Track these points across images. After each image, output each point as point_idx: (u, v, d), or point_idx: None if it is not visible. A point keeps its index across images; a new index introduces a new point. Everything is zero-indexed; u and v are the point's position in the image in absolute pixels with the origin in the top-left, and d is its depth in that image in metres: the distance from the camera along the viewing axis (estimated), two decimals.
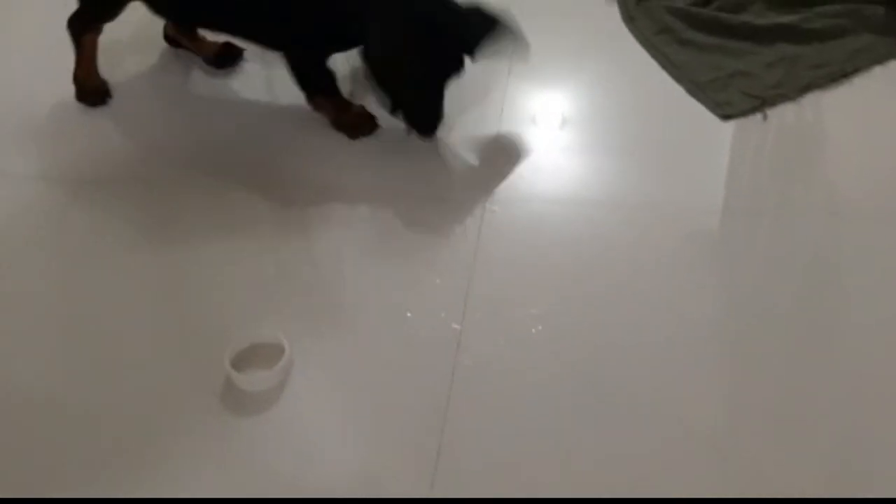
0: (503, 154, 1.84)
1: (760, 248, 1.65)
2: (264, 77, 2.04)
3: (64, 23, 1.94)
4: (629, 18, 2.06)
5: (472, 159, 1.83)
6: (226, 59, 2.06)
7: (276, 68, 1.94)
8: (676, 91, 1.92)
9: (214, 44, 2.07)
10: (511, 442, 1.38)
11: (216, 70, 2.06)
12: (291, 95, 1.89)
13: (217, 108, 2.01)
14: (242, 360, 1.50)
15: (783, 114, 1.85)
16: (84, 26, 1.95)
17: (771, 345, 1.49)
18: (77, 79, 1.99)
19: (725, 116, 1.84)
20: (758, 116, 1.84)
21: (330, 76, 1.86)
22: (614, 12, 2.09)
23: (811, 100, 1.88)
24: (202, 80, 2.06)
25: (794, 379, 1.44)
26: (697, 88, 1.90)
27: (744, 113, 1.84)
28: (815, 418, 1.39)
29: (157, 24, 2.05)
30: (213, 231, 1.73)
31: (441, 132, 1.82)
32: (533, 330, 1.52)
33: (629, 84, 1.96)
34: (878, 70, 1.91)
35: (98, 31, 1.97)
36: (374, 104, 1.87)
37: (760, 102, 1.86)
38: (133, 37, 2.13)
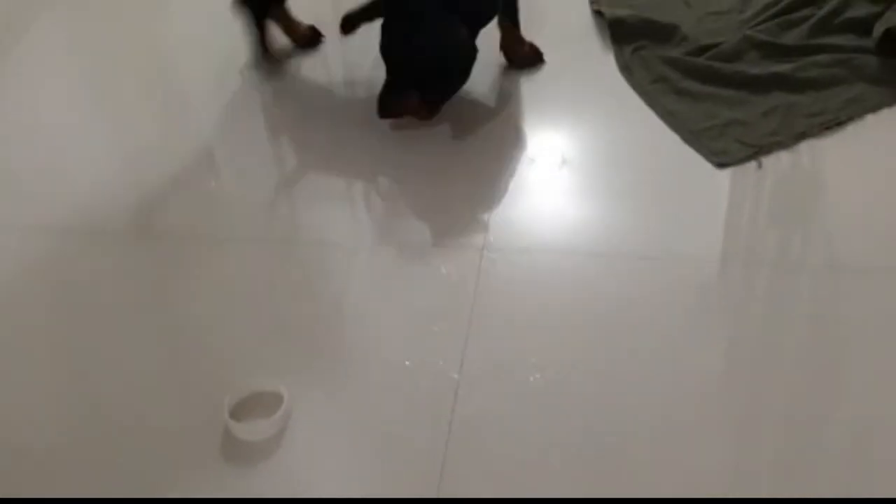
0: (501, 198, 1.85)
1: (761, 300, 1.66)
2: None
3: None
4: (625, 68, 2.09)
5: (470, 203, 1.85)
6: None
7: None
8: (673, 139, 1.94)
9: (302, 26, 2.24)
10: (509, 493, 1.38)
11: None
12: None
13: (216, 153, 2.04)
14: (242, 409, 1.50)
15: (779, 162, 1.87)
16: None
17: (772, 398, 1.49)
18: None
19: (721, 165, 1.86)
20: (753, 165, 1.86)
21: None
22: (610, 61, 2.12)
23: (806, 148, 1.89)
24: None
25: (796, 434, 1.43)
26: (693, 137, 1.92)
27: (739, 161, 1.86)
28: (819, 472, 1.38)
29: None
30: (212, 280, 1.74)
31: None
32: (531, 379, 1.52)
33: (626, 131, 1.98)
34: (870, 118, 1.94)
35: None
36: None
37: (756, 151, 1.88)
38: None
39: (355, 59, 2.20)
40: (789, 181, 1.87)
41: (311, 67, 2.23)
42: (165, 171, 1.98)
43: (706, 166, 1.87)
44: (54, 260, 1.81)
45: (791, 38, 2.09)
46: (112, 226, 1.87)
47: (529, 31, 2.14)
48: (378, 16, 1.99)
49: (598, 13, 2.23)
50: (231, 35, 2.24)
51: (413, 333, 1.61)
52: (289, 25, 2.24)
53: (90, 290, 1.75)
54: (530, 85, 2.10)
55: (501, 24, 2.08)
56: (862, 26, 2.08)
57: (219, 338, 1.64)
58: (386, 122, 1.98)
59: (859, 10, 2.10)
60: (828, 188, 1.83)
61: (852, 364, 1.52)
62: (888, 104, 1.95)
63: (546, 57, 2.14)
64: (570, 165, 1.92)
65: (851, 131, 1.92)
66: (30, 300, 1.74)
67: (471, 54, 1.96)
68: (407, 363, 1.56)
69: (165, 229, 1.86)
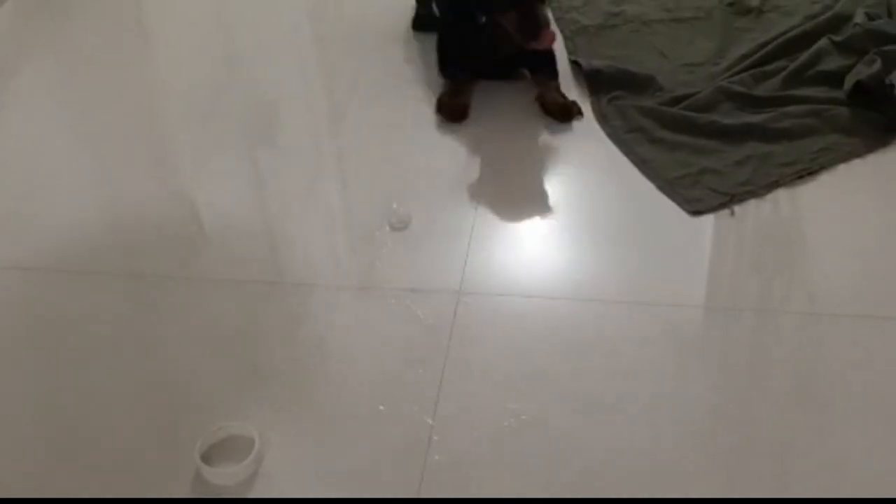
0: (478, 242, 1.86)
1: (739, 345, 1.66)
2: None
3: None
4: (602, 117, 2.12)
5: (447, 247, 1.86)
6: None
7: None
8: (649, 186, 1.96)
9: None
10: None
11: None
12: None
13: (197, 197, 2.05)
14: (214, 453, 1.49)
15: (753, 210, 1.89)
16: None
17: (753, 442, 1.49)
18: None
19: (695, 212, 1.89)
20: (726, 212, 1.88)
21: None
22: (587, 110, 2.15)
23: (780, 196, 1.92)
24: None
25: (779, 478, 1.43)
26: (668, 185, 1.94)
27: (712, 209, 1.89)
28: None
29: None
30: (189, 322, 1.74)
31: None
32: (506, 424, 1.52)
33: (603, 178, 2.01)
34: (842, 167, 1.97)
35: None
36: None
37: (729, 199, 1.90)
38: None
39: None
40: (764, 229, 1.89)
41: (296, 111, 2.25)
42: (146, 214, 1.98)
43: (681, 214, 1.90)
44: (30, 299, 1.81)
45: (764, 89, 2.14)
46: (90, 266, 1.87)
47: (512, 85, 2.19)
48: None
49: (575, 63, 2.27)
50: (213, 81, 2.26)
51: (388, 378, 1.61)
52: None
53: (66, 329, 1.74)
54: (508, 132, 2.12)
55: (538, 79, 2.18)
56: (834, 79, 2.12)
57: (193, 380, 1.64)
58: (360, 173, 1.99)
59: (831, 63, 2.15)
60: (803, 236, 1.85)
61: (833, 409, 1.52)
62: (859, 154, 1.99)
63: (524, 106, 2.16)
64: (548, 210, 1.93)
65: (824, 180, 1.95)
66: (3, 338, 1.73)
67: None
68: (381, 408, 1.56)
69: (144, 271, 1.86)
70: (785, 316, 1.70)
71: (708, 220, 1.88)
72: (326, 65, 2.47)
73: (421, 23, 2.45)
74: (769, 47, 2.22)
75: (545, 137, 2.11)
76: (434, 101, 2.19)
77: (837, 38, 2.17)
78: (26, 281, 1.85)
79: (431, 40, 2.36)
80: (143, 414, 1.59)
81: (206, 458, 1.48)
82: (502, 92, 2.22)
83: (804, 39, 2.22)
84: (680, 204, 1.91)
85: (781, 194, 1.92)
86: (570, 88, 2.22)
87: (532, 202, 1.97)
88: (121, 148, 2.18)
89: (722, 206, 1.90)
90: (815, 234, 1.85)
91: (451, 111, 2.14)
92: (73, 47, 2.53)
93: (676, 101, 2.13)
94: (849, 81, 2.07)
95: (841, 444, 1.47)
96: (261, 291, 1.80)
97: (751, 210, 1.90)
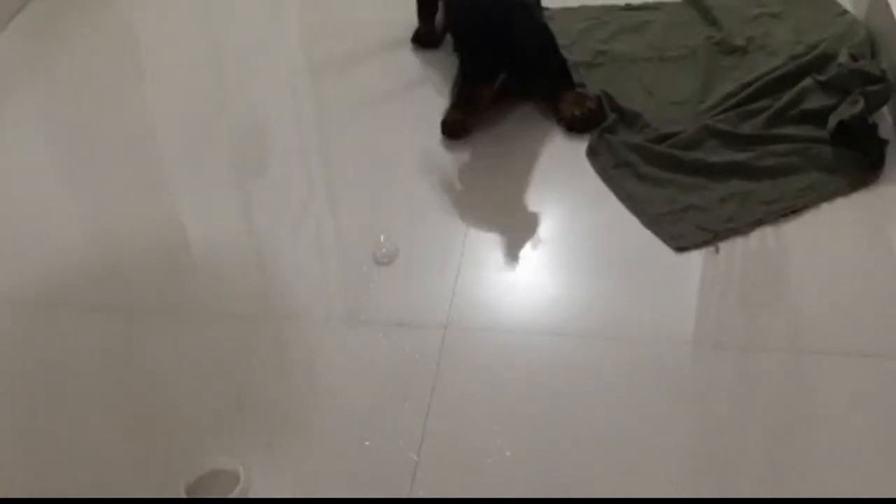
0: (465, 276, 1.88)
1: (726, 384, 1.67)
2: None
3: None
4: (591, 151, 2.15)
5: (433, 280, 1.87)
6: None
7: None
8: (635, 222, 1.98)
9: None
10: None
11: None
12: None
13: (188, 227, 2.06)
14: (199, 487, 1.49)
15: (737, 247, 1.91)
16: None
17: (739, 479, 1.49)
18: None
19: (679, 249, 1.90)
20: (711, 249, 1.90)
21: None
22: (576, 146, 2.17)
23: (763, 234, 1.94)
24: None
25: None
26: (653, 221, 1.96)
27: (697, 246, 1.90)
28: None
29: None
30: (177, 354, 1.75)
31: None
32: (490, 460, 1.53)
33: (590, 213, 2.03)
34: (825, 206, 1.99)
35: None
36: None
37: (713, 236, 1.92)
38: None
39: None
40: (748, 266, 1.91)
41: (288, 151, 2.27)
42: (134, 244, 2.00)
43: (666, 249, 1.91)
44: (15, 330, 1.81)
45: (749, 127, 2.16)
46: (76, 297, 1.87)
47: (503, 113, 2.22)
48: None
49: None
50: (204, 109, 2.28)
51: (373, 412, 1.62)
52: None
53: (51, 361, 1.75)
54: (496, 162, 2.14)
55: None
56: (817, 118, 2.14)
57: (180, 413, 1.64)
58: (350, 204, 2.01)
59: (814, 103, 2.17)
60: (787, 273, 1.87)
61: (819, 446, 1.54)
62: (843, 193, 2.01)
63: (514, 140, 2.19)
64: (535, 245, 1.95)
65: (808, 219, 1.97)
66: None
67: None
68: (366, 443, 1.56)
69: (131, 301, 1.86)
70: (770, 353, 1.71)
71: (693, 256, 1.90)
72: (320, 92, 2.49)
73: (421, 39, 2.49)
74: (754, 86, 2.25)
75: (535, 170, 2.13)
76: (429, 126, 2.21)
77: (821, 78, 2.20)
78: (12, 312, 1.85)
79: (431, 59, 2.38)
80: (129, 447, 1.59)
81: (192, 491, 1.48)
82: (499, 122, 2.24)
83: (788, 79, 2.24)
84: (665, 240, 1.92)
85: (765, 232, 1.94)
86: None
87: (520, 236, 1.98)
88: (110, 176, 2.19)
89: (706, 242, 1.91)
90: (800, 271, 1.87)
91: (451, 128, 2.19)
92: (67, 74, 2.55)
93: (663, 138, 2.15)
94: (832, 121, 2.10)
95: (826, 480, 1.48)
96: (248, 323, 1.81)
97: (735, 247, 1.92)
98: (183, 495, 1.46)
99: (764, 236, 1.94)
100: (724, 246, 1.91)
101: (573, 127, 2.19)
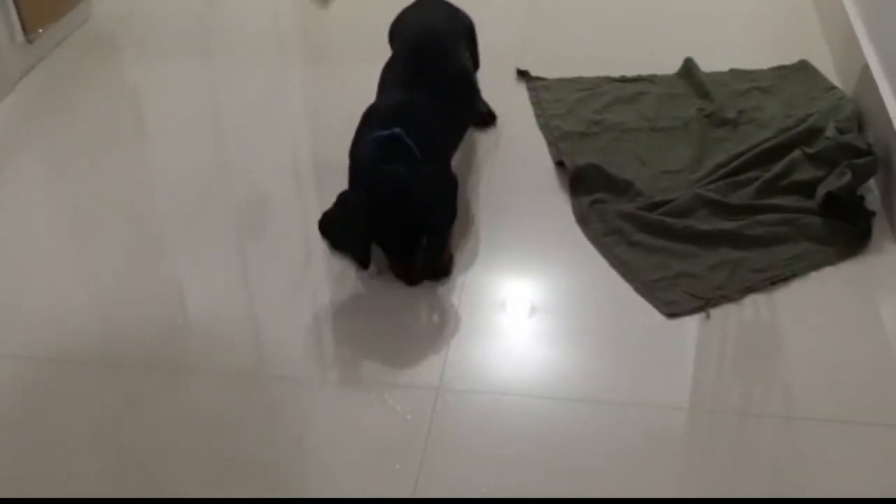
0: (460, 339, 1.89)
1: (719, 451, 1.68)
2: None
3: None
4: (582, 219, 2.18)
5: (427, 342, 1.89)
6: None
7: None
8: (627, 288, 2.01)
9: None
10: None
11: None
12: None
13: (186, 288, 2.08)
14: None
15: (728, 314, 1.94)
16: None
17: None
18: None
19: (671, 315, 1.93)
20: (702, 316, 1.93)
21: None
22: (567, 212, 2.21)
23: (753, 301, 1.97)
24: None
25: None
26: (644, 287, 1.99)
27: (688, 312, 1.93)
28: None
29: None
30: (171, 414, 1.76)
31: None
32: None
33: (582, 280, 2.05)
34: (814, 275, 2.02)
35: None
36: None
37: (704, 302, 1.95)
38: None
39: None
40: (739, 332, 1.93)
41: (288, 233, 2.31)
42: (132, 305, 2.02)
43: (658, 316, 1.94)
44: (12, 387, 1.82)
45: (739, 197, 2.20)
46: (75, 356, 1.89)
47: (496, 182, 2.27)
48: None
49: (559, 164, 2.34)
50: (205, 175, 2.32)
51: (364, 474, 1.62)
52: None
53: (46, 418, 1.76)
54: (489, 230, 2.17)
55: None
56: (806, 189, 2.19)
57: (171, 472, 1.65)
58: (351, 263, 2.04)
59: (803, 174, 2.22)
60: (778, 340, 1.89)
61: None
62: (831, 262, 2.04)
63: (509, 207, 2.23)
64: (528, 309, 1.97)
65: (797, 287, 2.00)
66: None
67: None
68: None
69: (127, 360, 1.88)
70: (763, 420, 1.72)
71: (684, 322, 1.92)
72: (321, 156, 2.53)
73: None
74: (744, 157, 2.30)
75: (526, 236, 2.17)
76: None
77: (810, 151, 2.25)
78: (9, 369, 1.86)
79: None
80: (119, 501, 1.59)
81: None
82: (493, 193, 2.29)
83: (778, 151, 2.29)
84: (657, 306, 1.95)
85: (755, 299, 1.97)
86: (555, 190, 2.29)
87: (512, 300, 2.01)
88: (111, 239, 2.23)
89: (698, 309, 1.94)
90: (790, 338, 1.89)
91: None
92: (71, 137, 2.60)
93: (655, 206, 2.19)
94: (820, 192, 2.14)
95: None
96: (242, 384, 1.82)
97: (726, 314, 1.94)
98: None
99: (754, 304, 1.96)
100: (715, 313, 1.94)
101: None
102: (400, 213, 1.95)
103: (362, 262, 1.99)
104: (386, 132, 2.03)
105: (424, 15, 2.39)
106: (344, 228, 1.99)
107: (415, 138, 2.02)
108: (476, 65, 2.42)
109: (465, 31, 2.39)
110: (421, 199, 1.96)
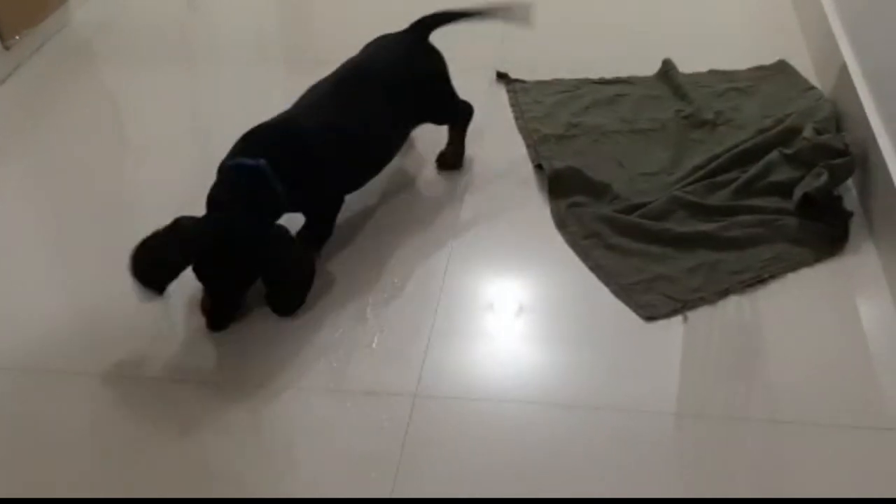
0: (436, 345, 1.89)
1: (700, 454, 1.67)
2: None
3: None
4: (560, 222, 2.18)
5: (404, 350, 1.89)
6: None
7: None
8: (605, 291, 2.01)
9: None
10: None
11: None
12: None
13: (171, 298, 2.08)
14: None
15: (706, 317, 1.94)
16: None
17: None
18: None
19: (648, 318, 1.93)
20: (679, 318, 1.93)
21: None
22: (546, 216, 2.21)
23: (730, 303, 1.97)
24: None
25: None
26: (622, 290, 1.99)
27: (665, 315, 1.93)
28: None
29: None
30: (154, 424, 1.75)
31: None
32: None
33: (560, 284, 2.05)
34: (791, 276, 2.02)
35: None
36: None
37: (682, 305, 1.95)
38: None
39: None
40: (717, 334, 1.92)
41: None
42: (114, 313, 2.01)
43: (636, 319, 1.94)
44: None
45: (716, 199, 2.21)
46: (55, 365, 1.88)
47: (474, 185, 2.28)
48: None
49: (538, 167, 2.34)
50: (186, 183, 2.31)
51: (338, 483, 1.62)
52: None
53: (27, 429, 1.75)
54: (466, 234, 2.17)
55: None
56: (783, 190, 2.19)
57: (150, 476, 1.64)
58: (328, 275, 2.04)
59: (781, 175, 2.22)
60: (755, 342, 1.89)
61: None
62: (808, 263, 2.05)
63: (487, 210, 2.23)
64: (507, 314, 1.97)
65: (774, 289, 2.00)
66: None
67: None
68: None
69: (110, 368, 1.87)
70: (745, 422, 1.72)
71: (662, 325, 1.92)
72: None
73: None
74: (722, 159, 2.31)
75: (505, 243, 2.17)
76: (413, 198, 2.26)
77: (787, 151, 2.25)
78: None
79: (422, 143, 2.43)
80: None
81: None
82: (472, 196, 2.29)
83: (755, 152, 2.30)
84: (634, 309, 1.95)
85: (733, 301, 1.97)
86: (534, 193, 2.29)
87: (491, 305, 2.01)
88: (89, 246, 2.22)
89: (675, 312, 1.94)
90: (767, 340, 1.89)
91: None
92: (52, 144, 2.59)
93: (632, 208, 2.19)
94: (797, 193, 2.14)
95: None
96: (221, 391, 1.82)
97: (704, 316, 1.94)
98: None
99: (732, 305, 1.96)
100: (693, 315, 1.94)
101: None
102: (221, 269, 1.84)
103: (159, 290, 1.84)
104: (251, 162, 1.85)
105: (376, 50, 2.22)
106: (164, 257, 1.84)
107: (291, 170, 1.85)
108: (445, 105, 2.29)
109: (414, 79, 2.17)
110: (252, 265, 1.84)
